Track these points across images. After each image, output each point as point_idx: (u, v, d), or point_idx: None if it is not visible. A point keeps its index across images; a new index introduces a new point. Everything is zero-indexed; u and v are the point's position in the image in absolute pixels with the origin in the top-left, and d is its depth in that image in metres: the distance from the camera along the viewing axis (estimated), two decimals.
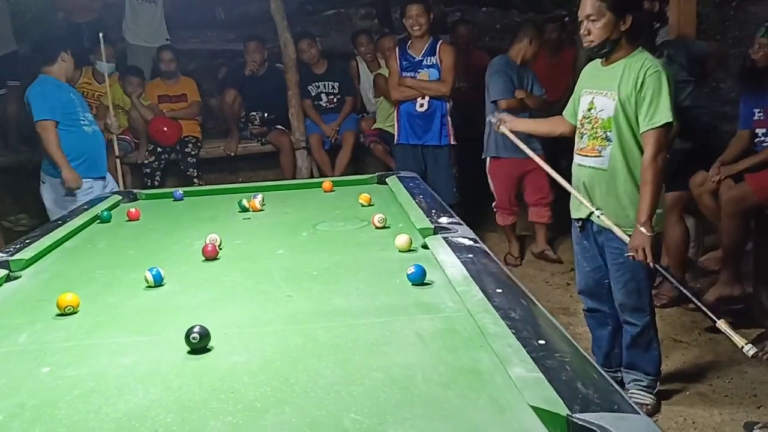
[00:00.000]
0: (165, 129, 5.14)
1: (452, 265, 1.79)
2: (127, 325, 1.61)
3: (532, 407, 1.05)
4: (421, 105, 4.19)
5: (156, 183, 4.98)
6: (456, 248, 1.92)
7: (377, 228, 2.35)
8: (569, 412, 1.00)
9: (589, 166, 2.45)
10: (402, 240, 2.06)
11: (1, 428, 1.14)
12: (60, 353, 1.46)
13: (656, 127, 2.29)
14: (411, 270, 1.74)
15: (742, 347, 2.18)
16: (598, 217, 2.42)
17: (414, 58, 4.13)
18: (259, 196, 2.82)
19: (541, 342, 1.26)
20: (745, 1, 6.77)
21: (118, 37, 5.63)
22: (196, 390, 1.24)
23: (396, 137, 4.37)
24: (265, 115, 5.24)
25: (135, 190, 3.32)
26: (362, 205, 2.73)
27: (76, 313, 1.68)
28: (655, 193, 2.31)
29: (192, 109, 5.28)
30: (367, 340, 1.43)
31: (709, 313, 2.37)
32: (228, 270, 2.00)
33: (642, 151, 2.34)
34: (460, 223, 2.22)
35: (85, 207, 2.92)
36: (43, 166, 3.79)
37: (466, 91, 4.68)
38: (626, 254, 2.38)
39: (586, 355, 1.22)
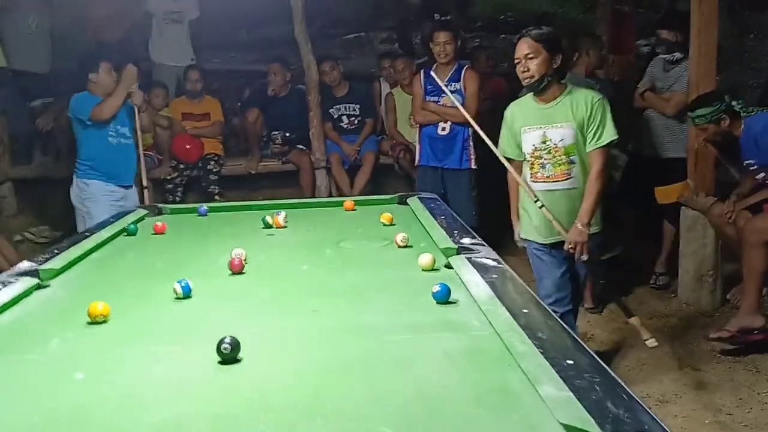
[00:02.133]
0: (187, 146, 5.23)
1: (477, 284, 1.80)
2: (158, 336, 1.64)
3: (564, 425, 1.06)
4: (443, 129, 4.24)
5: (177, 199, 5.06)
6: (480, 268, 1.94)
7: (400, 247, 2.38)
8: (600, 431, 1.01)
9: (562, 189, 2.79)
10: (426, 259, 2.08)
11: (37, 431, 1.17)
12: (92, 361, 1.49)
13: (603, 146, 2.73)
14: (436, 288, 1.76)
15: (645, 340, 2.85)
16: (540, 208, 2.77)
17: (438, 83, 4.19)
18: (283, 213, 2.86)
19: (570, 362, 1.27)
20: (763, 33, 6.80)
21: (144, 56, 5.75)
22: (227, 400, 1.26)
23: (417, 159, 4.41)
24: (287, 134, 5.32)
25: (160, 205, 3.38)
26: (384, 225, 2.75)
27: (106, 322, 1.71)
28: (598, 201, 2.75)
29: (214, 128, 5.38)
30: (394, 356, 1.45)
31: (626, 309, 3.04)
32: (254, 284, 2.03)
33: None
34: (482, 244, 2.24)
35: (112, 220, 2.97)
36: (75, 169, 4.13)
37: (484, 115, 4.72)
38: (575, 255, 2.75)
39: (614, 376, 1.23)
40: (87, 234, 2.70)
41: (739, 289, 3.70)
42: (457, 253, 2.15)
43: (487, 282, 1.81)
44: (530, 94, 2.85)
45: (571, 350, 1.35)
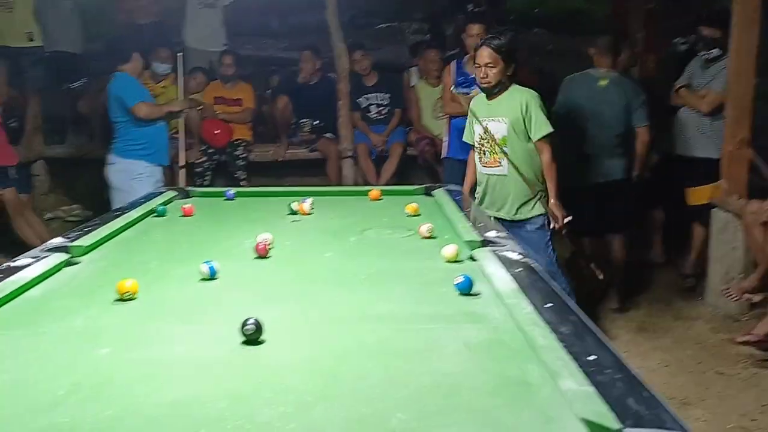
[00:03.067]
0: (216, 131, 5.28)
1: (500, 277, 1.79)
2: (183, 314, 1.66)
3: (583, 420, 1.05)
4: None
5: (205, 182, 5.11)
6: (504, 262, 1.92)
7: (424, 237, 2.37)
8: (620, 427, 1.00)
9: (494, 174, 3.28)
10: (450, 250, 2.07)
11: (61, 403, 1.19)
12: (117, 337, 1.52)
13: (542, 138, 3.16)
14: (459, 279, 1.75)
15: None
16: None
17: (469, 74, 4.15)
18: (309, 200, 2.87)
19: (592, 358, 1.26)
20: None
21: (177, 40, 5.81)
22: (247, 380, 1.27)
23: (445, 150, 4.39)
24: (315, 122, 5.33)
25: (188, 188, 3.42)
26: (409, 215, 2.75)
27: (134, 299, 1.74)
28: (558, 183, 3.22)
29: (245, 114, 5.42)
30: (412, 345, 1.45)
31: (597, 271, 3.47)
32: (277, 269, 2.05)
33: (526, 158, 3.22)
34: (508, 238, 2.22)
35: (142, 200, 3.02)
36: (115, 149, 4.22)
37: None
38: (556, 224, 3.22)
39: (635, 373, 1.22)
40: (117, 213, 2.75)
41: (737, 284, 3.67)
42: (482, 246, 2.14)
43: (511, 275, 1.79)
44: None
45: (594, 346, 1.33)
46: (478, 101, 3.35)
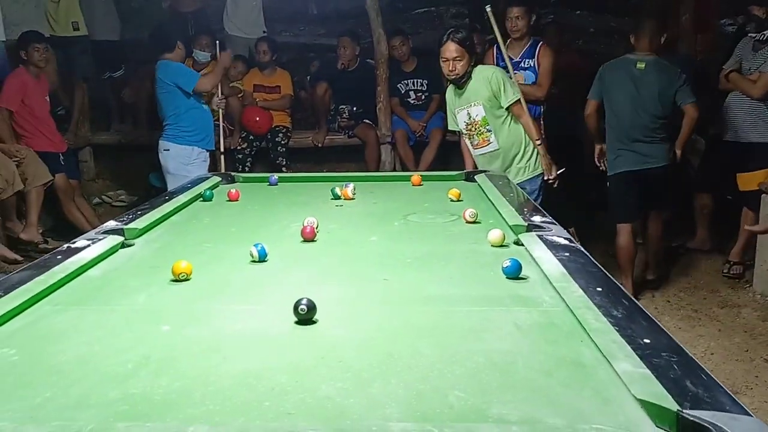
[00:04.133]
0: (257, 119, 5.35)
1: (548, 261, 1.79)
2: (237, 295, 1.71)
3: (640, 401, 1.06)
4: None
5: (247, 169, 5.20)
6: (551, 246, 1.93)
7: (468, 222, 2.38)
8: (679, 408, 1.00)
9: (488, 152, 3.56)
10: (496, 234, 2.08)
11: (131, 375, 1.24)
12: (177, 315, 1.57)
13: (512, 103, 3.46)
14: (507, 263, 1.76)
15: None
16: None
17: (512, 59, 4.12)
18: (351, 185, 2.90)
19: (646, 341, 1.26)
20: None
21: (218, 28, 5.88)
22: (305, 356, 1.31)
23: None
24: (354, 108, 5.36)
25: (233, 173, 3.48)
26: (451, 200, 2.76)
27: (188, 280, 1.80)
28: (542, 135, 3.67)
29: (284, 101, 5.47)
30: (464, 326, 1.47)
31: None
32: (325, 252, 2.09)
33: (507, 126, 3.52)
34: (553, 223, 2.22)
35: (189, 185, 3.09)
36: (169, 136, 4.32)
37: (557, 94, 4.62)
38: (549, 176, 3.56)
39: (692, 357, 1.22)
40: (167, 198, 2.82)
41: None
42: (527, 231, 2.14)
43: (558, 259, 1.80)
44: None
45: (647, 329, 1.33)
46: (451, 93, 3.63)
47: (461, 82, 3.48)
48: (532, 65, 4.09)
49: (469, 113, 3.54)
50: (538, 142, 3.54)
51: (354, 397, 1.14)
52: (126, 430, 1.01)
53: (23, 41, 4.64)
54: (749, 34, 4.05)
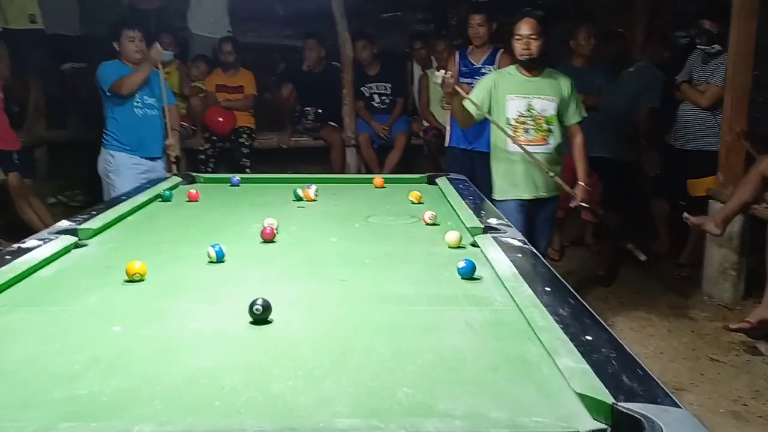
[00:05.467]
0: (220, 119, 5.32)
1: (501, 262, 1.84)
2: (192, 295, 1.71)
3: (579, 395, 1.10)
4: None
5: (209, 170, 5.16)
6: (505, 247, 1.98)
7: (427, 224, 2.42)
8: (614, 401, 1.05)
9: (540, 152, 3.23)
10: (452, 236, 2.12)
11: (79, 376, 1.23)
12: (129, 315, 1.56)
13: (581, 120, 3.30)
14: (461, 264, 1.80)
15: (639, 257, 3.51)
16: (552, 177, 3.24)
17: (473, 65, 4.18)
18: (313, 187, 2.92)
19: (588, 338, 1.31)
20: None
21: (181, 26, 5.83)
22: (258, 356, 1.32)
23: (448, 140, 4.43)
24: (319, 110, 5.37)
25: (194, 174, 3.46)
26: (412, 203, 2.80)
27: (143, 280, 1.79)
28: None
29: (247, 101, 5.45)
30: (418, 324, 1.50)
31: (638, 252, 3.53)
32: (285, 252, 2.10)
33: (560, 137, 3.29)
34: (509, 225, 2.27)
35: (147, 186, 3.06)
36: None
37: None
38: (574, 204, 3.30)
39: (631, 352, 1.27)
40: (123, 198, 2.79)
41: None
42: (484, 233, 2.19)
43: (511, 260, 1.85)
44: (513, 67, 3.32)
45: (590, 328, 1.38)
46: (509, 77, 3.28)
47: (532, 68, 3.21)
48: (492, 71, 4.14)
49: (532, 105, 3.22)
50: (584, 167, 3.33)
51: (304, 395, 1.16)
52: (70, 430, 1.00)
53: None
54: (698, 47, 4.20)
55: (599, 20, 5.19)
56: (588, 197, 3.28)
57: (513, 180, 3.30)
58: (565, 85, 3.25)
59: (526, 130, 3.24)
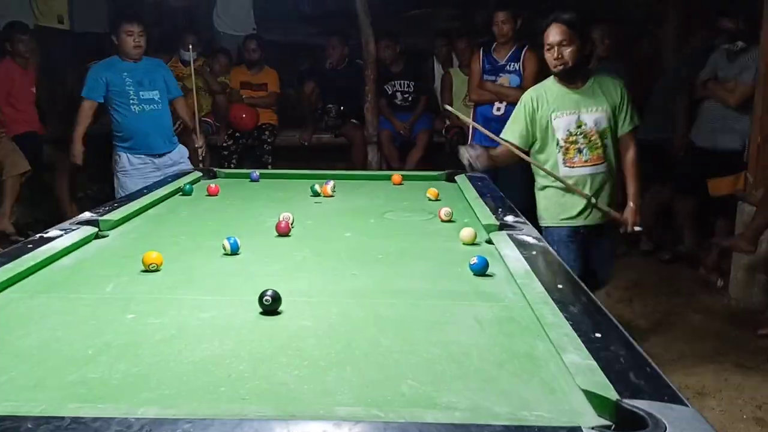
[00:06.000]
0: (243, 116, 5.37)
1: (515, 259, 1.83)
2: (206, 285, 1.73)
3: (583, 391, 1.09)
4: (498, 109, 4.19)
5: (232, 165, 5.21)
6: (519, 244, 1.96)
7: (443, 221, 2.41)
8: (619, 398, 1.03)
9: (600, 172, 2.80)
10: (467, 233, 2.11)
11: (90, 360, 1.26)
12: (143, 304, 1.59)
13: (635, 128, 2.81)
14: (474, 261, 1.79)
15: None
16: (594, 203, 2.80)
17: (497, 62, 4.15)
18: (331, 183, 2.93)
19: (598, 335, 1.29)
20: None
21: (208, 24, 5.90)
22: (266, 345, 1.33)
23: (470, 138, 4.40)
24: (341, 108, 5.39)
25: (215, 169, 3.50)
26: (430, 199, 2.79)
27: (159, 270, 1.81)
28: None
29: (270, 99, 5.49)
30: (426, 318, 1.50)
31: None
32: (298, 246, 2.11)
33: (616, 151, 2.82)
34: (525, 223, 2.25)
35: (169, 180, 3.11)
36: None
37: None
38: (627, 229, 2.81)
39: (642, 352, 1.25)
40: (145, 191, 2.84)
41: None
42: (499, 230, 2.17)
43: (524, 257, 1.83)
44: (552, 80, 2.82)
45: (601, 325, 1.36)
46: (549, 93, 2.81)
47: (573, 79, 2.75)
48: (517, 68, 4.12)
49: (581, 120, 2.75)
50: (637, 186, 2.85)
51: (308, 384, 1.16)
52: (77, 410, 1.02)
53: (7, 32, 4.62)
54: (722, 46, 4.11)
55: (628, 18, 5.11)
56: (641, 219, 2.83)
57: (563, 202, 2.83)
58: (615, 88, 2.79)
59: (579, 150, 2.78)
